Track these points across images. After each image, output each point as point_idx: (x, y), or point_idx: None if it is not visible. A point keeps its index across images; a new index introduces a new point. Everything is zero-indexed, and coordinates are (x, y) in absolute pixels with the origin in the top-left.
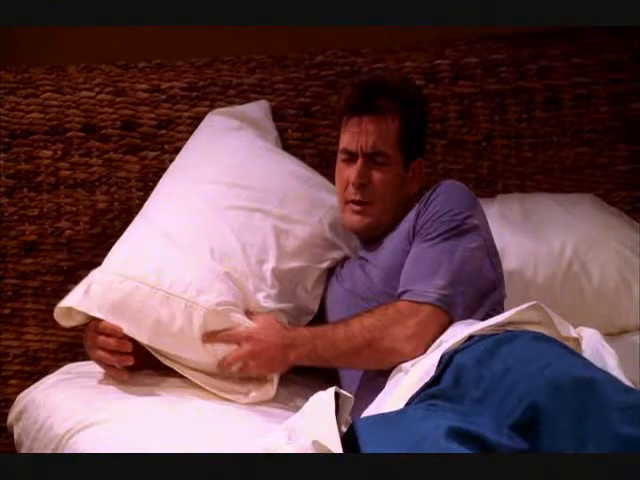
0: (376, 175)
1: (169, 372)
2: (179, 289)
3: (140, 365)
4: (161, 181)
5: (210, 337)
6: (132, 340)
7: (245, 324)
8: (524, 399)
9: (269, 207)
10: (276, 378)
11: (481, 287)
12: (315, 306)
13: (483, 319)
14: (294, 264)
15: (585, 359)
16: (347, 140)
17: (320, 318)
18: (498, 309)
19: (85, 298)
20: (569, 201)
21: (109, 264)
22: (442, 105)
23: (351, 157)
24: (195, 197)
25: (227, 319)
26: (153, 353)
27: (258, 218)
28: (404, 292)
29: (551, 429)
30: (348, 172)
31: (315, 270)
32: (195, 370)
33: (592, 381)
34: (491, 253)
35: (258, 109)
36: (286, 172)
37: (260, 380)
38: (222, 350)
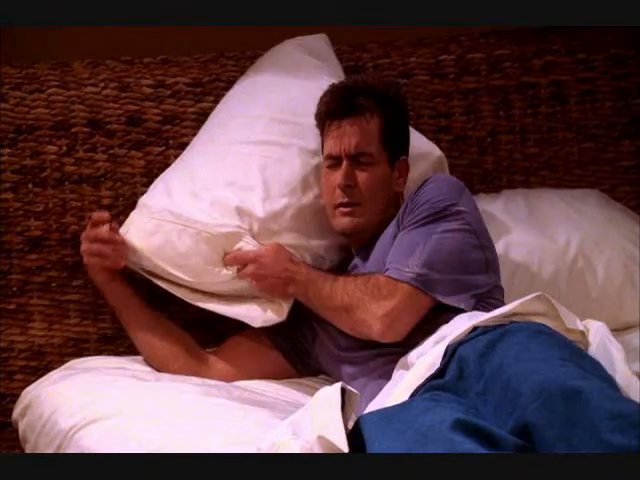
0: (362, 176)
1: (170, 372)
2: (195, 220)
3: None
4: (216, 110)
5: (223, 258)
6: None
7: (253, 247)
8: (514, 410)
9: (305, 143)
10: (290, 300)
11: (464, 269)
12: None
13: (475, 303)
14: (321, 201)
15: (582, 359)
16: (330, 146)
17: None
18: (493, 294)
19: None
20: (574, 197)
21: (142, 204)
22: (447, 100)
23: (336, 162)
24: (232, 132)
25: (238, 240)
26: (164, 285)
27: (290, 154)
28: (385, 271)
29: (541, 440)
30: (334, 177)
31: None
32: (206, 294)
33: (580, 391)
34: (479, 238)
35: (320, 40)
36: None
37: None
38: (231, 272)
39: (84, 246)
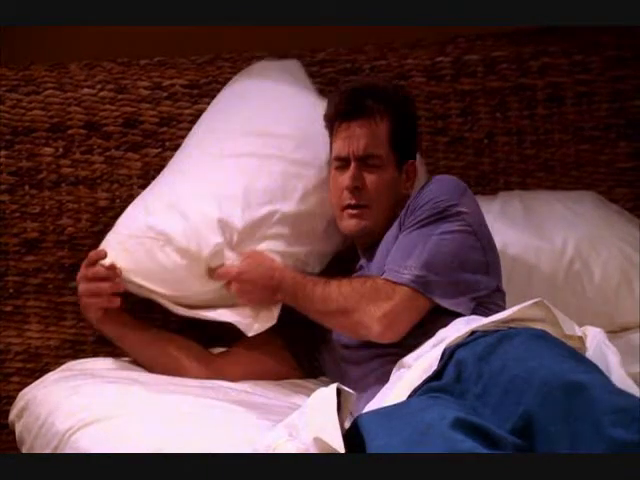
0: (370, 178)
1: (169, 373)
2: (177, 235)
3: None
4: (193, 130)
5: (209, 274)
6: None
7: (235, 262)
8: (518, 406)
9: (283, 153)
10: (279, 305)
11: (464, 270)
12: (331, 247)
13: (475, 307)
14: (302, 207)
15: (582, 359)
16: (338, 147)
17: None
18: (494, 299)
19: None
20: (571, 198)
21: (122, 224)
22: (444, 102)
23: (344, 163)
24: (210, 146)
25: (220, 258)
26: (160, 301)
27: (270, 164)
28: (382, 274)
29: (544, 434)
30: (342, 178)
31: (326, 214)
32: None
33: (582, 385)
34: (480, 240)
35: (293, 64)
36: (306, 117)
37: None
38: (216, 287)
39: (82, 287)
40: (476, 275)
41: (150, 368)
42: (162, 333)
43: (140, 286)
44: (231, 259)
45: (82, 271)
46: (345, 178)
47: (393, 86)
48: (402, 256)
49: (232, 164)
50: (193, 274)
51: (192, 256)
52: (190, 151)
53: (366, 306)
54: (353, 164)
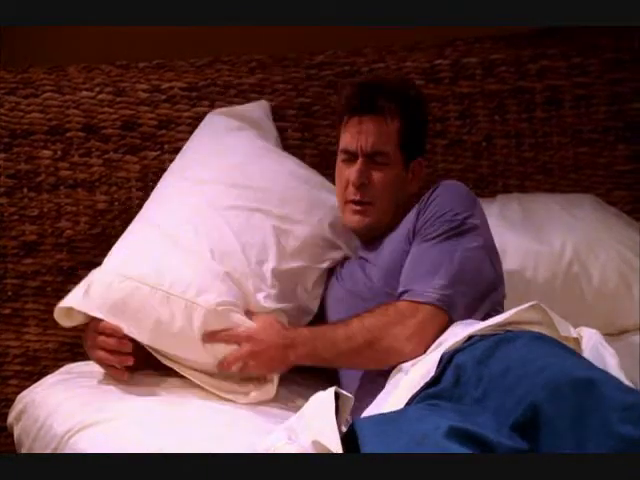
0: (376, 175)
1: (169, 372)
2: (179, 289)
3: (140, 365)
4: (161, 181)
5: (210, 337)
6: (132, 340)
7: (245, 324)
8: (523, 400)
9: (269, 207)
10: (276, 378)
11: (481, 287)
12: (315, 306)
13: (483, 319)
14: (294, 264)
15: (585, 359)
16: (347, 140)
17: (320, 318)
18: (498, 309)
19: (85, 298)
20: (569, 201)
21: (109, 264)
22: (442, 105)
23: (351, 157)
24: (195, 197)
25: (227, 319)
26: (153, 353)
27: (258, 218)
28: (404, 292)
29: (551, 429)
30: (348, 172)
31: (315, 270)
32: (195, 370)
33: (591, 381)
34: (491, 253)
35: (258, 109)
36: (286, 172)
37: (260, 380)
38: (222, 350)
39: (96, 356)
40: (490, 292)
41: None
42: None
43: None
44: (241, 321)
45: (91, 335)
46: (352, 172)
47: (406, 85)
48: (426, 274)
49: (223, 216)
50: (194, 333)
51: (198, 312)
52: (181, 193)
53: (393, 331)
54: (360, 160)
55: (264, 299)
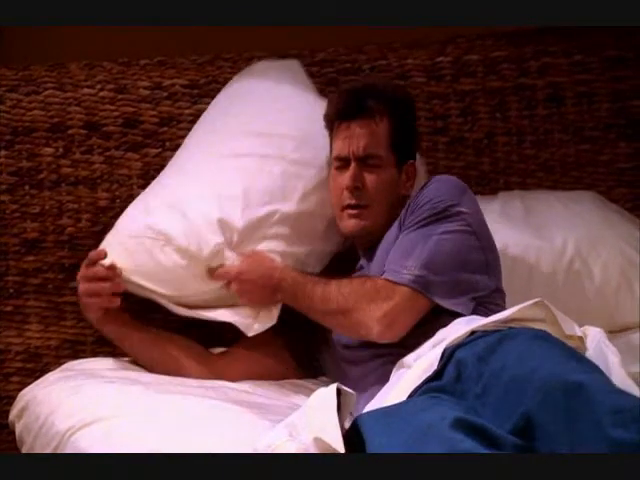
0: (369, 178)
1: (169, 373)
2: (177, 235)
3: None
4: (193, 130)
5: (209, 274)
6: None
7: (235, 262)
8: (518, 406)
9: (283, 153)
10: (279, 305)
11: (464, 270)
12: (330, 247)
13: (475, 307)
14: (302, 207)
15: (582, 360)
16: (339, 147)
17: None
18: (494, 299)
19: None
20: (570, 198)
21: (122, 225)
22: (444, 102)
23: (344, 163)
24: (210, 146)
25: (220, 258)
26: (169, 306)
27: (269, 164)
28: (382, 274)
29: (544, 435)
30: (342, 178)
31: (326, 214)
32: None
33: (582, 385)
34: (481, 240)
35: (292, 65)
36: (306, 117)
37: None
38: (220, 285)
39: (81, 287)
40: (476, 275)
41: (150, 368)
42: (162, 333)
43: (140, 286)
44: (231, 259)
45: (82, 271)
46: (345, 178)
47: (393, 86)
48: (402, 256)
49: (232, 164)
50: (193, 274)
51: (192, 256)
52: (190, 151)
53: (366, 306)
54: (353, 164)
55: (268, 242)
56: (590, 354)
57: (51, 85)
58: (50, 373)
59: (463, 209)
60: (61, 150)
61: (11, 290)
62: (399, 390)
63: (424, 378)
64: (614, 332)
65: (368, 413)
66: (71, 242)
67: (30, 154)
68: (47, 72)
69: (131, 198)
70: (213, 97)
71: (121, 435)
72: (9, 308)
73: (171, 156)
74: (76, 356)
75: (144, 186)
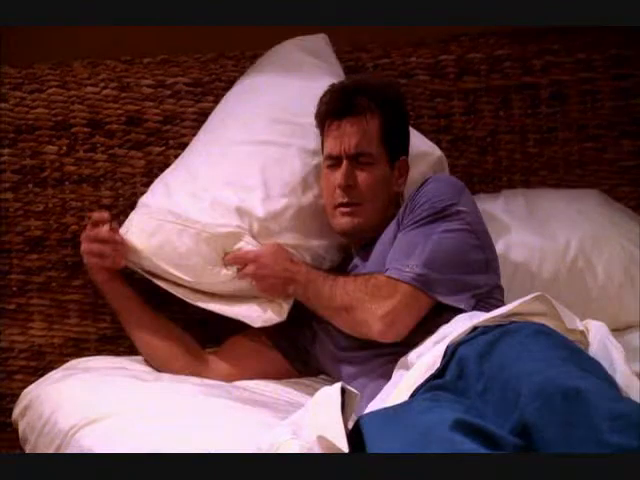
0: (362, 175)
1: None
2: (195, 220)
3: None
4: (216, 110)
5: (223, 258)
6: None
7: (253, 247)
8: (514, 410)
9: (304, 142)
10: (290, 300)
11: (464, 268)
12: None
13: (476, 304)
14: (321, 201)
15: (580, 360)
16: (330, 145)
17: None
18: (494, 295)
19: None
20: (574, 197)
21: (143, 205)
22: (447, 100)
23: (336, 162)
24: (232, 132)
25: (238, 242)
26: (176, 292)
27: (290, 154)
28: (385, 272)
29: (542, 441)
30: (334, 177)
31: None
32: (212, 298)
33: (580, 391)
34: (480, 238)
35: (319, 40)
36: None
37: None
38: (234, 272)
39: (84, 246)
40: (476, 273)
41: (139, 347)
42: (161, 320)
43: (158, 267)
44: (251, 245)
45: (86, 231)
46: (337, 176)
47: (383, 83)
48: (403, 255)
49: (254, 151)
50: (209, 260)
51: (209, 241)
52: (213, 134)
53: (369, 304)
54: (345, 162)
55: (286, 234)
56: (594, 349)
57: (54, 83)
58: (54, 371)
59: (462, 208)
60: (64, 148)
61: (15, 288)
62: (401, 389)
63: (427, 376)
64: (618, 330)
65: (369, 414)
66: (74, 240)
67: (33, 152)
68: (50, 70)
69: (134, 196)
70: (217, 95)
71: (124, 433)
72: (12, 306)
73: (175, 154)
74: (80, 354)
75: (147, 184)
